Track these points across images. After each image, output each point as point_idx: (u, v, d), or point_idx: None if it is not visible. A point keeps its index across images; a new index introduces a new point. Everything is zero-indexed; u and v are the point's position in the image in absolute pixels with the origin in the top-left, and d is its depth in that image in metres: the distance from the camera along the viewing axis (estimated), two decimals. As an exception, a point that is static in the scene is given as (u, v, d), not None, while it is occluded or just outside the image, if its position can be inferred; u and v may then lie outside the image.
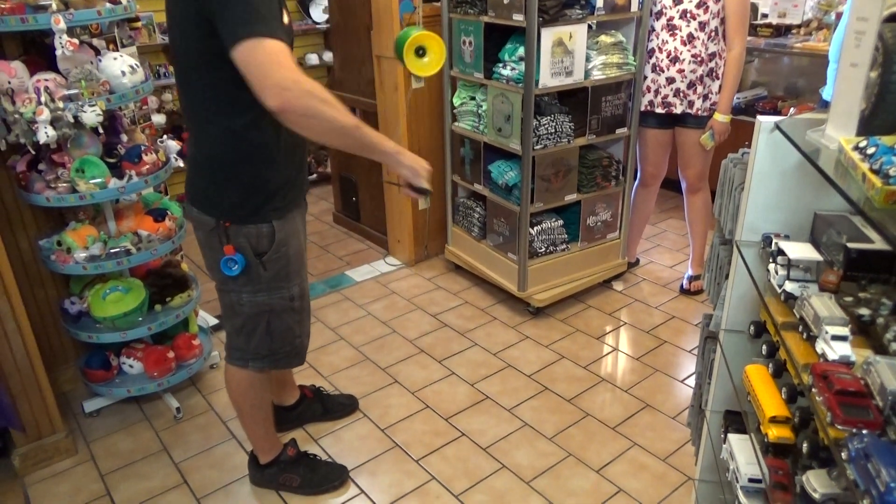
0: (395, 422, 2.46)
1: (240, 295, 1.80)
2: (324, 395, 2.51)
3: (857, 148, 1.14)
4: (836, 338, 1.07)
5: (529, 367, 2.75)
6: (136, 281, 2.42)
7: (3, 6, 1.99)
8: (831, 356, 1.06)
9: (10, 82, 2.06)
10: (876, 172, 1.03)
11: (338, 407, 2.50)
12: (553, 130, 2.84)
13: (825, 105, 2.98)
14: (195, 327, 2.68)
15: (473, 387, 2.64)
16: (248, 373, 1.94)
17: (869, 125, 1.22)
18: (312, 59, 4.82)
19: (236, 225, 1.71)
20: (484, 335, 2.98)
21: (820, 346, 1.10)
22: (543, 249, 3.06)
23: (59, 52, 2.03)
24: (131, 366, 2.47)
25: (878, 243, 1.29)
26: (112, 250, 2.27)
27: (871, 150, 1.09)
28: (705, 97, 2.92)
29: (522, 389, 2.62)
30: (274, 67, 1.40)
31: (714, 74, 2.91)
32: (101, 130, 2.17)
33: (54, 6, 2.00)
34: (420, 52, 1.83)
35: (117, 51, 2.57)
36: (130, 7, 2.23)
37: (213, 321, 3.03)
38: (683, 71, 2.88)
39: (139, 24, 3.55)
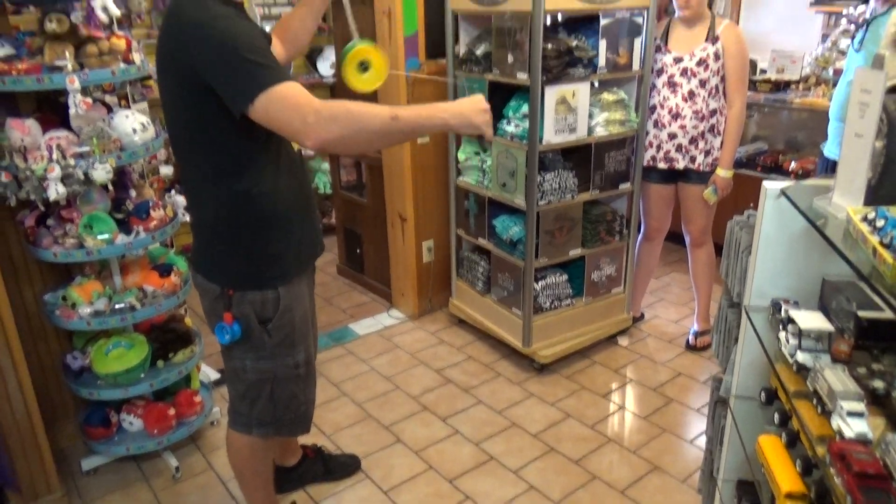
0: (398, 483, 2.41)
1: (244, 361, 1.76)
2: (325, 455, 2.46)
3: (865, 219, 1.14)
4: (851, 414, 1.05)
5: (535, 425, 2.70)
6: (140, 336, 2.41)
7: (19, 66, 2.03)
8: (848, 433, 1.04)
9: (23, 140, 2.08)
10: (886, 247, 1.03)
11: (340, 467, 2.44)
12: (557, 186, 2.87)
13: (826, 162, 3.01)
14: (197, 383, 2.65)
15: (478, 446, 2.59)
16: (250, 439, 1.89)
17: (876, 195, 1.22)
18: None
19: (240, 292, 1.68)
20: (488, 392, 2.94)
21: (836, 422, 1.08)
22: (548, 304, 3.05)
23: (72, 111, 2.06)
24: (131, 423, 2.44)
25: (889, 312, 1.28)
26: (117, 306, 2.26)
27: (880, 223, 1.09)
28: (707, 153, 2.95)
29: (528, 449, 2.57)
30: (292, 114, 1.38)
31: (715, 130, 2.95)
32: (110, 187, 2.20)
33: (70, 67, 2.04)
34: (363, 66, 1.80)
35: (129, 107, 2.61)
36: (144, 66, 2.27)
37: (215, 375, 3.00)
38: (685, 127, 2.92)
39: (151, 81, 3.61)
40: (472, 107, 1.55)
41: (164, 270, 2.40)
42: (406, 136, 1.54)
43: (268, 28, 1.89)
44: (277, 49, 1.87)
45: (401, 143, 1.63)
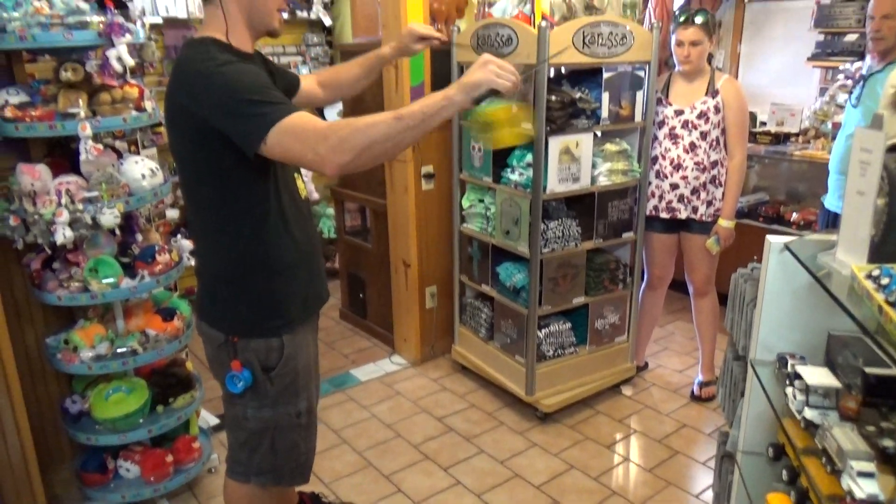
0: (398, 535, 2.36)
1: (245, 409, 1.74)
2: (323, 503, 2.41)
3: (870, 276, 1.15)
4: (862, 474, 1.04)
5: (538, 477, 2.66)
6: (140, 381, 2.39)
7: (33, 113, 2.08)
8: (859, 494, 1.02)
9: (33, 184, 2.11)
10: (893, 305, 1.03)
11: None
12: (561, 234, 2.88)
13: (828, 213, 3.03)
14: (196, 429, 2.62)
15: (480, 498, 2.54)
16: (249, 488, 1.85)
17: (879, 252, 1.23)
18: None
19: (244, 339, 1.67)
20: (491, 441, 2.90)
21: (846, 482, 1.06)
22: (551, 352, 3.03)
23: (83, 157, 2.09)
24: (128, 469, 2.40)
25: (896, 369, 1.27)
26: (118, 350, 2.25)
27: (885, 281, 1.10)
28: (709, 203, 2.98)
29: (531, 502, 2.52)
30: (303, 147, 1.39)
31: (717, 181, 2.98)
32: (117, 231, 2.21)
33: (82, 114, 2.08)
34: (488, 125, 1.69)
35: (139, 153, 2.66)
36: (155, 114, 2.31)
37: (214, 421, 2.96)
38: (687, 178, 2.95)
39: (161, 127, 3.68)
40: (473, 69, 1.47)
41: (168, 314, 2.40)
42: (417, 131, 1.44)
43: (305, 70, 1.93)
44: (315, 91, 1.95)
45: (417, 141, 1.61)
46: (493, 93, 1.47)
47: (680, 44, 2.88)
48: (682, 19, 2.87)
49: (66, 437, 2.48)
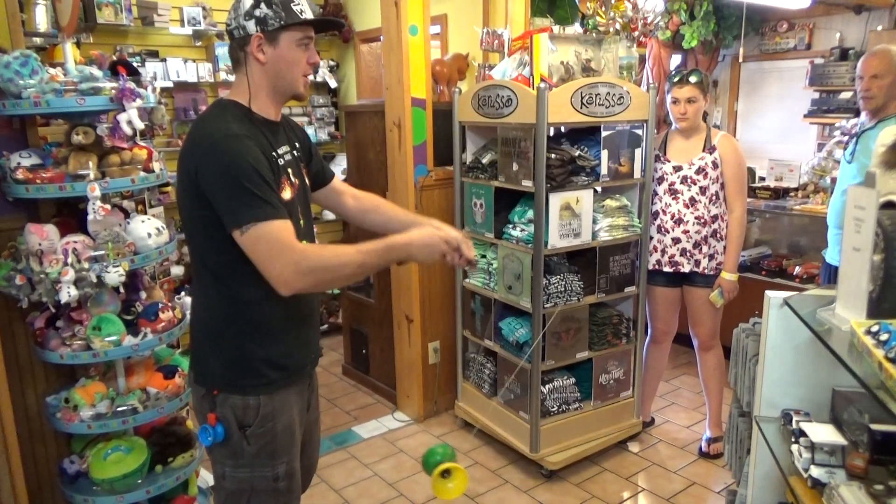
0: None
1: (223, 468, 1.68)
2: None
3: (869, 332, 1.15)
4: (871, 536, 1.01)
5: (544, 538, 2.59)
6: (140, 440, 2.37)
7: (44, 175, 2.12)
8: (869, 557, 1.00)
9: (40, 244, 2.14)
10: (892, 361, 1.03)
11: None
12: (563, 289, 2.89)
13: (829, 268, 3.04)
14: (195, 489, 2.57)
15: (484, 561, 2.48)
16: None
17: (878, 307, 1.24)
18: (329, 215, 5.03)
19: (224, 394, 1.63)
20: (496, 500, 2.84)
21: (855, 544, 1.04)
22: (556, 408, 3.00)
23: (90, 217, 2.12)
24: (125, 533, 2.35)
25: (903, 426, 1.26)
26: (119, 408, 2.23)
27: (884, 337, 1.10)
28: (711, 256, 3.00)
29: (537, 565, 2.45)
30: (275, 260, 1.45)
31: (718, 235, 3.00)
32: (121, 289, 2.23)
33: (92, 175, 2.12)
34: (445, 473, 1.95)
35: (146, 212, 2.70)
36: (163, 175, 2.36)
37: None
38: (688, 232, 2.98)
39: (169, 187, 3.75)
40: (433, 235, 1.59)
41: (169, 372, 2.39)
42: (370, 272, 1.60)
43: (310, 131, 1.90)
44: (345, 201, 1.92)
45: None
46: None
47: (676, 101, 2.96)
48: (676, 79, 2.96)
49: (63, 499, 2.43)
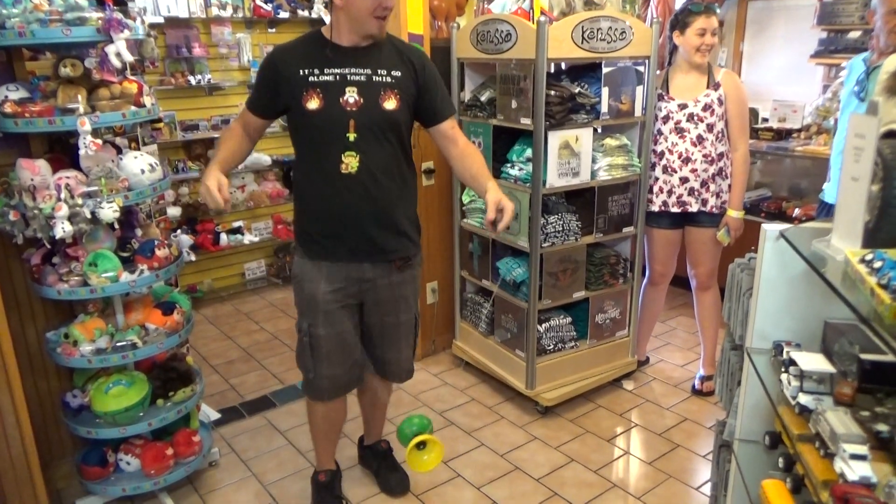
0: (398, 528, 2.36)
1: None
2: (390, 461, 2.60)
3: (863, 261, 1.14)
4: (854, 457, 1.03)
5: (538, 470, 2.66)
6: (140, 375, 2.40)
7: (32, 108, 2.08)
8: (851, 477, 1.02)
9: (32, 179, 2.12)
10: (884, 287, 1.03)
11: (385, 480, 2.56)
12: (560, 229, 2.88)
13: (825, 206, 3.02)
14: (196, 423, 2.62)
15: (480, 490, 2.54)
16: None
17: (874, 238, 1.23)
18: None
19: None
20: (491, 435, 2.90)
21: (838, 465, 1.06)
22: (552, 347, 3.03)
23: (82, 152, 2.10)
24: (128, 463, 2.41)
25: (892, 355, 1.27)
26: (118, 344, 2.26)
27: (877, 264, 1.09)
28: (717, 195, 2.98)
29: (531, 494, 2.52)
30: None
31: (723, 174, 2.98)
32: (116, 226, 2.22)
33: (81, 109, 2.09)
34: (421, 445, 2.11)
35: (139, 149, 2.67)
36: (154, 110, 2.32)
37: (216, 416, 2.97)
38: (696, 170, 2.95)
39: (161, 124, 3.69)
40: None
41: (167, 309, 2.41)
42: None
43: None
44: (452, 150, 2.24)
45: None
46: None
47: (702, 32, 2.86)
48: (702, 8, 2.87)
49: (67, 432, 2.49)
